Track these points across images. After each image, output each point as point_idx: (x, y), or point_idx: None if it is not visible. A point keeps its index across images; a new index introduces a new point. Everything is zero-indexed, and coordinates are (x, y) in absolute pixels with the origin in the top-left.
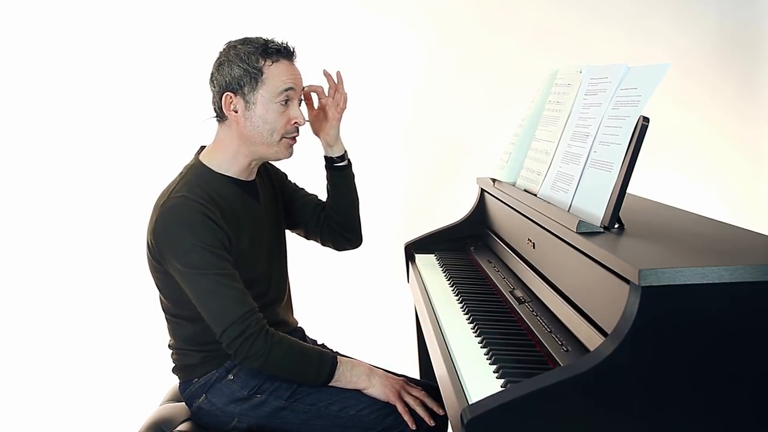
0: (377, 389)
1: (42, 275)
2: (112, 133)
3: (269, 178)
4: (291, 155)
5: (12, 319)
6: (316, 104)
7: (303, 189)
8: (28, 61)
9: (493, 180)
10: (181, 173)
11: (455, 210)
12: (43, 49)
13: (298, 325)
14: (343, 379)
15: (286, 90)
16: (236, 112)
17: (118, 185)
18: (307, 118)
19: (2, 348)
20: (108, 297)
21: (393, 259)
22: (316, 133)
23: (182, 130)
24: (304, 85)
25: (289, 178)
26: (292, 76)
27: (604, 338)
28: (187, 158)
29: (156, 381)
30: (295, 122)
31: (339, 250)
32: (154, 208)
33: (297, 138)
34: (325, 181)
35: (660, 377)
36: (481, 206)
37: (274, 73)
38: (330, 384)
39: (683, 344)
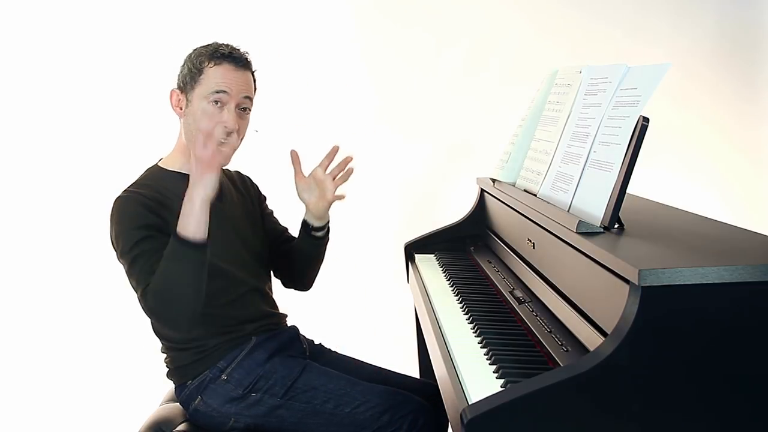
0: (188, 192)
1: (40, 278)
2: (107, 134)
3: (244, 185)
4: (226, 161)
5: (10, 321)
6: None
7: (275, 218)
8: (32, 62)
9: (493, 180)
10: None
11: (455, 210)
12: (43, 51)
13: (290, 324)
14: (186, 217)
15: (217, 92)
16: (181, 109)
17: (113, 188)
18: (237, 125)
19: (1, 350)
20: (107, 298)
21: (393, 259)
22: (303, 199)
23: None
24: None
25: (267, 202)
26: (228, 81)
27: (604, 338)
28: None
29: (156, 381)
30: (225, 126)
31: (284, 286)
32: None
33: (231, 144)
34: (297, 234)
35: (660, 377)
36: (481, 206)
37: (212, 74)
38: (192, 234)
39: (683, 344)
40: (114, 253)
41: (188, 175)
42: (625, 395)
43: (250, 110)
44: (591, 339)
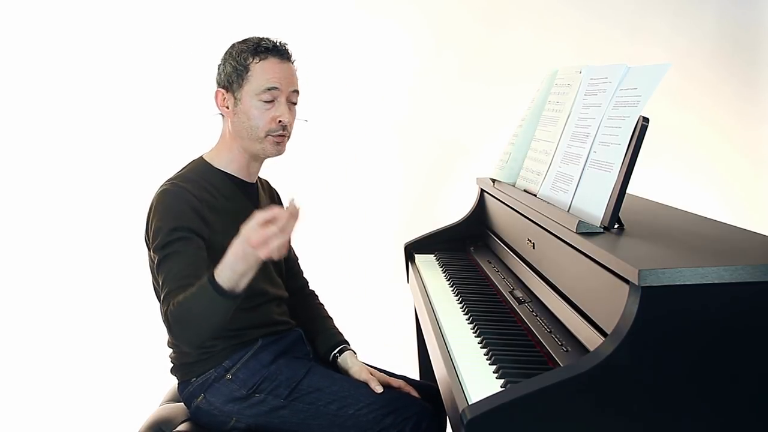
0: (243, 232)
1: (41, 276)
2: (115, 132)
3: (273, 197)
4: (280, 153)
5: (11, 319)
6: None
7: (291, 245)
8: (40, 62)
9: (493, 180)
10: (182, 167)
11: (455, 210)
12: (54, 51)
13: (296, 327)
14: (225, 272)
15: (269, 89)
16: (227, 108)
17: (118, 184)
18: (296, 117)
19: (1, 348)
20: (107, 298)
21: (393, 259)
22: None
23: (185, 130)
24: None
25: None
26: (278, 75)
27: (604, 338)
28: (190, 157)
29: (155, 381)
30: (280, 120)
31: None
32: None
33: (286, 135)
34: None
35: (660, 377)
36: (480, 206)
37: (259, 70)
38: (229, 287)
39: (683, 344)
40: (145, 244)
41: (237, 178)
42: (625, 395)
43: (297, 102)
44: (591, 339)
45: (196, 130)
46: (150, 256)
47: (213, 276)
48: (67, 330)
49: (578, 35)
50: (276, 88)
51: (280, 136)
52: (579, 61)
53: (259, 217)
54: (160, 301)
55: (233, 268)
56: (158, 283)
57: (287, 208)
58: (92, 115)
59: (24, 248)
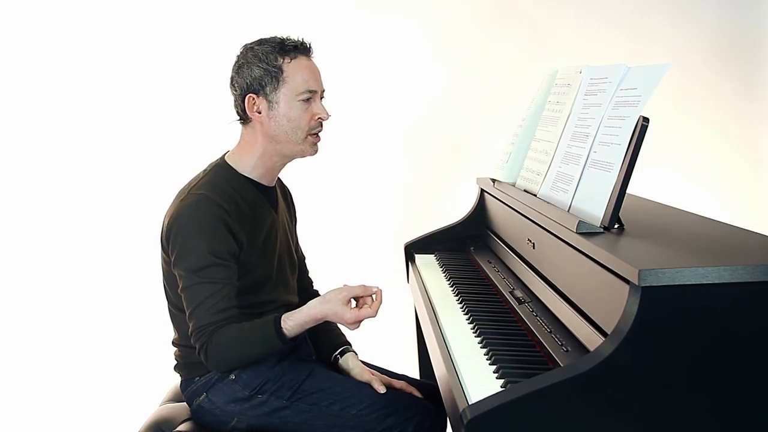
0: (331, 306)
1: (45, 273)
2: (126, 135)
3: (286, 196)
4: (316, 152)
5: (13, 317)
6: None
7: (299, 244)
8: (52, 64)
9: (493, 180)
10: (205, 170)
11: (455, 210)
12: (61, 50)
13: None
14: (295, 327)
15: (309, 91)
16: (260, 112)
17: (126, 185)
18: (330, 117)
19: (2, 346)
20: (108, 297)
21: (393, 259)
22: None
23: (193, 134)
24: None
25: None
26: (313, 75)
27: (604, 338)
28: (196, 161)
29: (156, 381)
30: (319, 117)
31: None
32: (174, 200)
33: (321, 134)
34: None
35: (660, 377)
36: (481, 206)
37: (293, 70)
38: (290, 332)
39: (683, 344)
40: (162, 249)
41: (259, 183)
42: (625, 395)
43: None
44: (591, 339)
45: (201, 131)
46: (164, 258)
47: (279, 324)
48: (68, 330)
49: (578, 35)
50: (314, 90)
51: (317, 135)
52: (579, 61)
53: (350, 292)
54: (192, 334)
55: (303, 326)
56: (186, 310)
57: (375, 294)
58: (98, 116)
59: (28, 245)
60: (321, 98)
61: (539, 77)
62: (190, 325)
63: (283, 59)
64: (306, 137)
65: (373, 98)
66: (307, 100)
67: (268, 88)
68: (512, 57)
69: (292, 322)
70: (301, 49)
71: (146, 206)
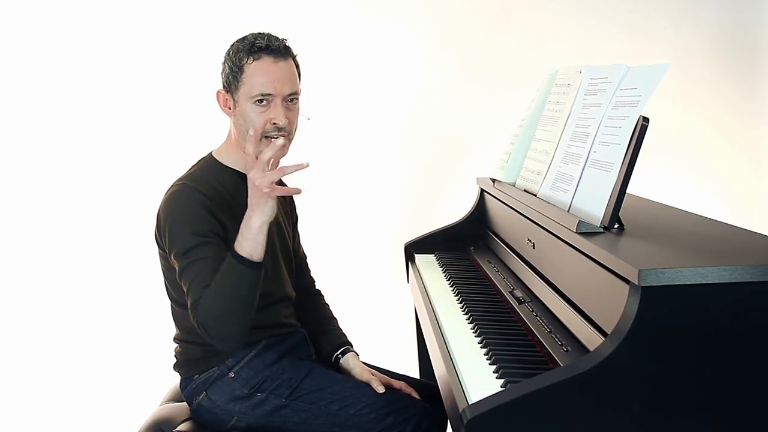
0: (250, 202)
1: (44, 273)
2: (120, 132)
3: (284, 196)
4: (283, 155)
5: (13, 317)
6: None
7: (300, 243)
8: (48, 63)
9: (493, 180)
10: (192, 165)
11: (455, 210)
12: (58, 52)
13: (301, 329)
14: (248, 243)
15: (262, 95)
16: (230, 108)
17: (123, 182)
18: (287, 119)
19: (2, 346)
20: (109, 296)
21: (393, 259)
22: None
23: (187, 129)
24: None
25: (297, 224)
26: (270, 78)
27: (604, 338)
28: (197, 155)
29: (156, 381)
30: (274, 122)
31: None
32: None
33: (287, 136)
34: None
35: (660, 377)
36: (481, 206)
37: (252, 72)
38: (250, 252)
39: (683, 344)
40: (157, 244)
41: (244, 174)
42: (625, 395)
43: (297, 99)
44: (591, 339)
45: (202, 127)
46: (161, 254)
47: (235, 252)
48: (68, 329)
49: (578, 35)
50: (269, 94)
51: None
52: (579, 61)
53: (259, 163)
54: (191, 314)
55: (254, 238)
56: (186, 292)
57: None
58: (98, 115)
59: (28, 245)
60: (291, 101)
61: (539, 77)
62: (189, 305)
63: (247, 59)
64: (262, 138)
65: (373, 98)
66: (262, 102)
67: (232, 86)
68: (512, 57)
69: (243, 240)
70: (268, 50)
71: (146, 206)
